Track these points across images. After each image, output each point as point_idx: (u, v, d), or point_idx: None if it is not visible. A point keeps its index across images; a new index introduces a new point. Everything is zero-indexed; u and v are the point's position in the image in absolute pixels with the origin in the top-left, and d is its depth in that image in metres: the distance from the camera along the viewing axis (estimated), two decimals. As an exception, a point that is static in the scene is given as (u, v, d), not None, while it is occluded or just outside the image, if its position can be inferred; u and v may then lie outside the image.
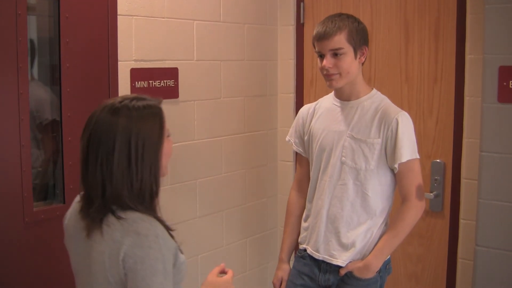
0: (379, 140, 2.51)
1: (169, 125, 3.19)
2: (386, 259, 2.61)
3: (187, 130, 3.46)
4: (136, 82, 3.15)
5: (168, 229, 1.85)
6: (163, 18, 3.26)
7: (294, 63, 3.93)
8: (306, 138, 2.78)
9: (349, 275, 2.57)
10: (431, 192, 3.40)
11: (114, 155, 1.75)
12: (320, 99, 2.80)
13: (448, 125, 3.36)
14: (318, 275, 2.66)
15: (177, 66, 3.36)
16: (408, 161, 2.48)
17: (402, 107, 3.41)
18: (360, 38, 2.52)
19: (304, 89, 3.90)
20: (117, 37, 3.05)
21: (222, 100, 3.65)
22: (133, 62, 3.13)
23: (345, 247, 2.58)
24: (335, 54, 2.50)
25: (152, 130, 1.82)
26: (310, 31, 3.83)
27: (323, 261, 2.64)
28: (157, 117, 1.86)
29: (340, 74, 2.52)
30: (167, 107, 3.21)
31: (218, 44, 3.60)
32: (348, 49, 2.50)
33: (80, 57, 2.92)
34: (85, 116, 2.80)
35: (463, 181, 3.32)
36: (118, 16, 3.04)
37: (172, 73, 3.33)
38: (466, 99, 3.27)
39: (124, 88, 3.09)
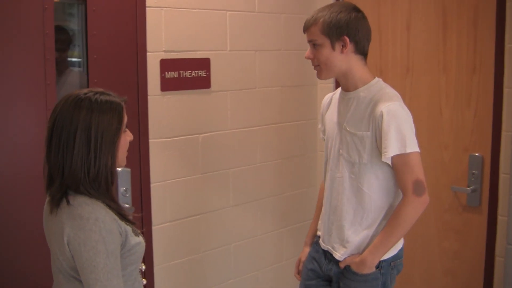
0: (369, 134, 2.42)
1: (201, 115, 3.28)
2: (390, 256, 2.54)
3: (220, 120, 3.49)
4: (166, 73, 3.20)
5: (121, 214, 1.99)
6: (194, 9, 3.29)
7: (333, 53, 3.87)
8: (323, 128, 2.78)
9: (348, 268, 2.55)
10: (468, 187, 3.29)
11: (75, 141, 1.89)
12: (338, 88, 2.72)
13: (486, 117, 3.23)
14: (324, 263, 2.68)
15: (209, 56, 3.39)
16: (402, 154, 2.36)
17: (439, 98, 3.35)
18: (336, 29, 2.42)
19: (344, 79, 3.85)
20: (145, 29, 3.11)
21: (257, 90, 3.66)
22: (163, 53, 3.18)
23: (343, 241, 2.56)
24: (314, 45, 2.48)
25: (110, 123, 1.94)
26: (350, 20, 3.78)
27: (328, 251, 2.65)
28: (116, 112, 1.97)
29: (319, 65, 2.49)
30: (199, 97, 3.32)
31: (253, 34, 3.60)
32: (323, 41, 2.44)
33: (107, 48, 3.00)
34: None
35: (501, 176, 3.19)
36: (146, 8, 3.10)
37: (203, 63, 3.36)
38: (506, 90, 3.13)
39: (153, 78, 3.16)
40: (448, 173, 3.39)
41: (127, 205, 3.08)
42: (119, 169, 3.04)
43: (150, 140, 3.18)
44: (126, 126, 2.04)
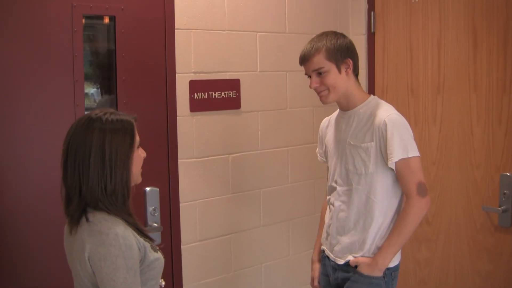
0: (373, 144, 2.60)
1: (231, 135, 3.33)
2: (393, 266, 2.66)
3: (250, 140, 3.53)
4: (195, 94, 3.26)
5: (139, 229, 2.06)
6: (224, 31, 3.35)
7: (366, 73, 3.88)
8: (324, 149, 2.95)
9: (353, 270, 2.66)
10: (500, 207, 3.24)
11: (90, 160, 1.96)
12: (334, 112, 2.92)
13: (517, 136, 3.19)
14: (331, 274, 2.80)
15: (239, 77, 3.44)
16: (403, 159, 2.54)
17: (470, 117, 3.33)
18: (340, 53, 2.62)
19: (376, 98, 3.85)
20: (174, 51, 3.17)
21: (288, 111, 3.69)
22: (192, 74, 3.25)
23: (352, 249, 2.69)
24: (319, 73, 2.63)
25: (123, 140, 2.01)
26: (381, 40, 3.81)
27: (334, 261, 2.77)
28: (128, 130, 2.05)
29: (328, 89, 2.65)
30: (229, 117, 3.37)
31: (283, 55, 3.64)
32: (329, 67, 2.61)
33: (136, 70, 3.08)
34: (142, 127, 3.00)
35: (533, 196, 3.15)
36: (175, 30, 3.17)
37: (233, 84, 3.42)
38: (537, 109, 3.10)
39: (183, 99, 3.22)
40: (479, 192, 3.34)
41: (155, 224, 3.14)
42: (147, 188, 3.12)
43: (180, 160, 3.23)
44: (140, 144, 2.11)
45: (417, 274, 3.71)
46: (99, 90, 3.10)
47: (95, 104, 3.06)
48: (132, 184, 2.10)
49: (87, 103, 3.02)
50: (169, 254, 3.23)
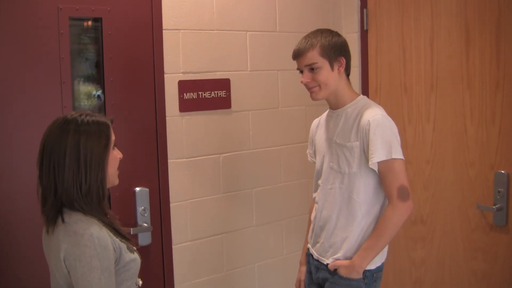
0: (357, 143, 2.59)
1: (221, 135, 3.32)
2: (374, 268, 2.65)
3: (242, 139, 3.51)
4: (184, 94, 3.25)
5: (115, 229, 2.08)
6: (213, 30, 3.34)
7: (359, 71, 3.85)
8: (314, 149, 2.95)
9: (333, 272, 2.66)
10: (494, 205, 3.20)
11: (65, 160, 1.96)
12: (325, 112, 2.92)
13: (511, 134, 3.15)
14: (313, 272, 2.81)
15: (229, 77, 3.42)
16: (387, 161, 2.51)
17: (464, 115, 3.29)
18: (334, 51, 2.63)
19: (369, 96, 3.80)
20: (162, 51, 3.16)
21: (280, 110, 3.67)
22: (181, 74, 3.23)
23: (334, 248, 2.68)
24: (311, 68, 2.64)
25: (98, 141, 2.02)
26: (374, 38, 3.78)
27: (317, 260, 2.78)
28: (103, 131, 2.05)
29: (319, 86, 2.65)
30: (219, 117, 3.36)
31: (274, 54, 3.62)
32: (322, 63, 2.62)
33: (124, 71, 3.07)
34: (131, 128, 2.99)
35: (528, 194, 3.11)
36: (163, 31, 3.16)
37: (223, 84, 3.40)
38: (530, 105, 3.06)
39: (172, 99, 3.21)
40: (474, 191, 3.31)
41: (145, 224, 3.13)
42: (137, 188, 3.11)
43: (169, 160, 3.22)
44: (115, 145, 2.11)
45: (413, 274, 3.67)
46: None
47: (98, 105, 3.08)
48: (109, 185, 2.12)
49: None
50: (160, 254, 3.23)
